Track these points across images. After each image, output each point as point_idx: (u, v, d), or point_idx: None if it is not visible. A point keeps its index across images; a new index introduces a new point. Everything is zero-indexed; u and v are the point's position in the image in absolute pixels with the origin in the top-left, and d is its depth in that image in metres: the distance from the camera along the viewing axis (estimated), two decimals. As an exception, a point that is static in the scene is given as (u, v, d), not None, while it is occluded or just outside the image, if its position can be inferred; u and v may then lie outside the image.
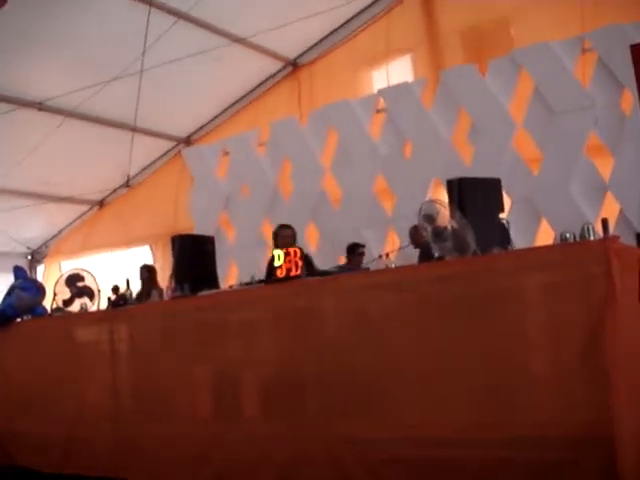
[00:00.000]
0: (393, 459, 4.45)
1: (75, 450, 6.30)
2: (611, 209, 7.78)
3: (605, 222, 4.11)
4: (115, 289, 7.46)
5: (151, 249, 12.58)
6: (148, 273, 8.71)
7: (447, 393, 4.30)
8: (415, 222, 6.76)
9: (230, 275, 10.14)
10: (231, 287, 6.65)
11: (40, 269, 14.40)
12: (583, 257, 3.97)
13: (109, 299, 6.74)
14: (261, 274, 6.65)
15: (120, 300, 6.81)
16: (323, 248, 9.83)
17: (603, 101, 8.20)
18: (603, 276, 3.77)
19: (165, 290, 6.68)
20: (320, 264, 7.86)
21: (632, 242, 5.62)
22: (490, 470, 4.05)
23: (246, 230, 10.82)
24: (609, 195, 8.09)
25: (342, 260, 8.60)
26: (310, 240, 10.10)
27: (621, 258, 3.81)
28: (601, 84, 8.24)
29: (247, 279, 6.23)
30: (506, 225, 5.84)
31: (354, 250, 8.27)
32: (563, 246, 4.34)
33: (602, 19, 8.23)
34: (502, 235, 5.60)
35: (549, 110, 8.54)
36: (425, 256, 6.59)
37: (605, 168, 8.18)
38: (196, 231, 10.36)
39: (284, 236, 7.12)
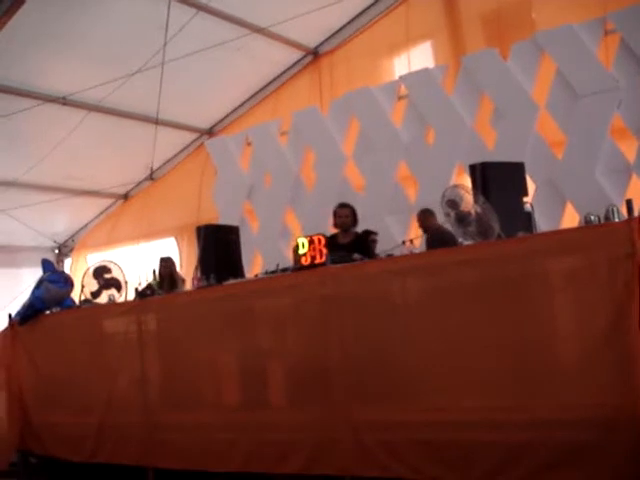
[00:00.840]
0: (417, 442, 4.49)
1: (106, 440, 6.40)
2: (637, 191, 7.70)
3: (630, 203, 4.08)
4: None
5: (176, 241, 12.65)
6: (166, 264, 8.75)
7: (471, 377, 4.32)
8: (433, 208, 6.83)
9: (255, 264, 10.17)
10: (256, 276, 6.70)
11: (67, 262, 14.55)
12: (608, 238, 3.96)
13: (136, 290, 6.81)
14: (286, 262, 6.68)
15: (147, 290, 6.88)
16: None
17: (626, 83, 8.10)
18: (628, 257, 3.76)
19: (190, 280, 6.73)
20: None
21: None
22: (515, 453, 4.07)
23: (270, 219, 10.85)
24: (634, 177, 8.02)
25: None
26: (334, 229, 10.09)
27: (646, 238, 3.79)
28: (624, 66, 8.14)
29: (272, 268, 6.28)
30: (530, 209, 5.82)
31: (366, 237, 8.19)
32: (587, 228, 4.34)
33: (624, 0, 8.14)
34: (526, 219, 5.59)
35: (572, 93, 8.46)
36: (430, 241, 6.59)
37: (630, 150, 8.10)
38: (221, 221, 10.41)
39: (340, 215, 6.93)
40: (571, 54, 8.45)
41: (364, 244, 6.57)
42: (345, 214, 6.89)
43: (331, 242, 6.33)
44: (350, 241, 6.66)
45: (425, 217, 7.46)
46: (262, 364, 5.59)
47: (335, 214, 6.97)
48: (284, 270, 6.02)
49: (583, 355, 3.93)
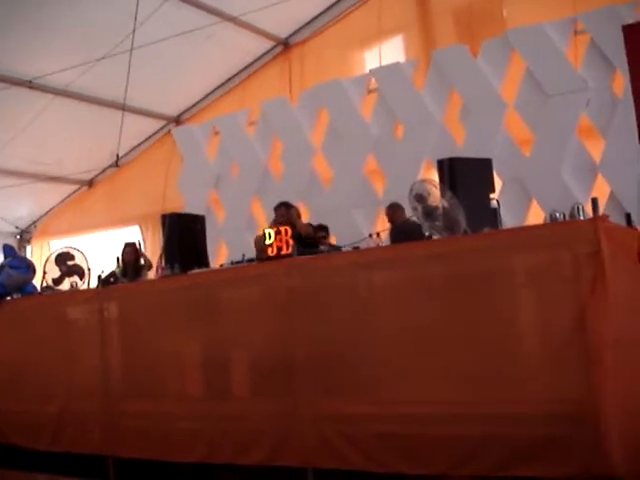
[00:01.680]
0: (381, 436, 4.50)
1: (66, 428, 6.33)
2: (602, 191, 7.79)
3: (595, 202, 4.13)
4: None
5: (141, 229, 12.54)
6: (130, 250, 8.64)
7: (435, 371, 4.34)
8: (400, 202, 6.86)
9: (220, 255, 10.12)
10: (221, 266, 6.66)
11: (29, 249, 14.34)
12: (572, 236, 4.01)
13: (99, 277, 6.73)
14: (252, 253, 6.64)
15: (110, 278, 6.81)
16: (314, 228, 9.84)
17: (595, 83, 8.19)
18: (593, 254, 3.80)
19: (155, 269, 6.67)
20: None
21: (621, 222, 5.63)
22: (478, 446, 4.10)
23: (236, 210, 10.80)
24: (600, 177, 8.11)
25: (332, 240, 8.60)
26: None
27: (611, 237, 3.84)
28: (593, 66, 8.22)
29: (238, 258, 6.24)
30: (496, 205, 5.86)
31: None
32: (552, 225, 4.37)
33: (595, 0, 8.21)
34: (492, 215, 5.62)
35: (541, 92, 8.52)
36: (393, 234, 6.61)
37: (596, 150, 8.19)
38: (186, 210, 10.31)
39: (278, 215, 7.10)
40: (541, 53, 8.51)
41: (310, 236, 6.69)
42: (281, 214, 7.09)
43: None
44: (299, 235, 6.58)
45: (394, 211, 7.47)
46: (226, 354, 5.56)
47: (275, 213, 7.16)
48: (250, 261, 5.99)
49: (547, 351, 3.96)
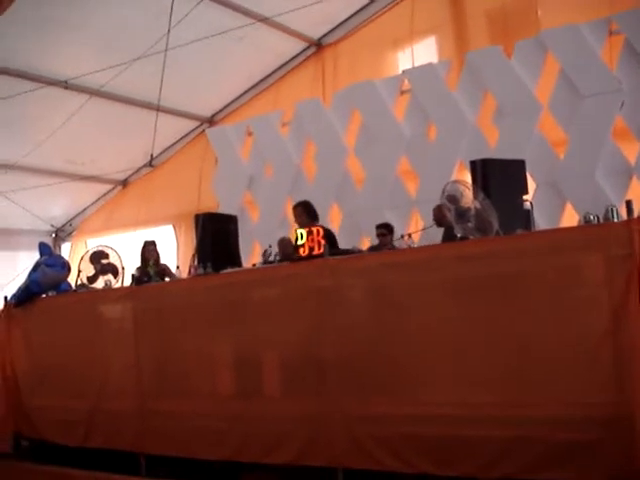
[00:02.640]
0: (410, 437, 4.49)
1: (98, 425, 6.40)
2: (637, 193, 7.69)
3: (629, 204, 4.08)
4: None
5: (174, 228, 12.64)
6: (152, 248, 8.68)
7: (465, 372, 4.32)
8: (434, 203, 6.84)
9: (254, 254, 10.16)
10: (254, 265, 6.69)
11: (64, 247, 14.53)
12: (606, 238, 3.96)
13: (133, 276, 6.80)
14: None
15: (144, 277, 6.87)
16: (346, 229, 9.84)
17: (629, 84, 8.10)
18: (627, 257, 3.76)
19: (188, 268, 6.72)
20: (343, 245, 7.89)
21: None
22: (508, 448, 4.08)
23: (270, 210, 10.85)
24: (635, 179, 8.01)
25: (365, 241, 8.61)
26: (333, 220, 10.11)
27: (645, 239, 3.79)
28: (628, 67, 8.13)
29: (271, 257, 6.28)
30: (529, 207, 5.82)
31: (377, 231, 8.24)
32: (586, 227, 4.33)
33: (630, 0, 8.12)
34: (525, 217, 5.59)
35: (575, 93, 8.45)
36: (448, 236, 6.58)
37: (631, 152, 8.09)
38: (220, 210, 10.39)
39: (295, 215, 7.22)
40: (575, 54, 8.44)
41: (330, 238, 6.62)
42: (297, 213, 7.16)
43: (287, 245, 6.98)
44: None
45: (441, 212, 7.41)
46: (256, 354, 5.58)
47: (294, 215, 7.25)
48: (281, 261, 6.03)
49: (580, 353, 3.92)
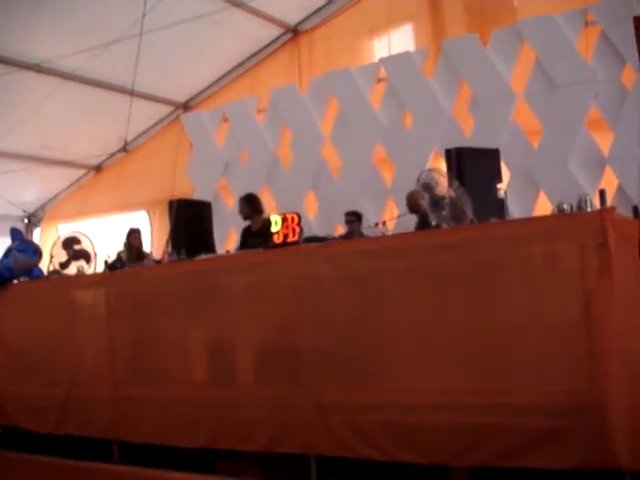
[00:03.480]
0: (384, 424, 4.50)
1: (72, 411, 6.36)
2: (610, 183, 7.76)
3: (602, 193, 4.12)
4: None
5: (148, 214, 12.56)
6: (137, 235, 8.71)
7: (439, 360, 4.34)
8: (409, 191, 6.85)
9: (229, 241, 10.14)
10: (227, 252, 6.68)
11: (36, 232, 14.39)
12: (579, 228, 3.99)
13: (105, 262, 6.75)
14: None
15: (117, 263, 6.82)
16: (322, 216, 9.86)
17: (604, 75, 8.15)
18: (599, 247, 3.79)
19: (161, 255, 6.69)
20: (319, 232, 7.89)
21: (629, 215, 5.62)
22: (481, 436, 4.10)
23: (245, 197, 10.80)
24: (608, 169, 8.08)
25: (340, 228, 8.62)
26: (309, 208, 10.12)
27: (617, 229, 3.82)
28: (603, 58, 8.18)
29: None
30: (504, 196, 5.85)
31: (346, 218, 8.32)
32: (560, 216, 4.35)
33: (606, -9, 8.17)
34: (499, 206, 5.62)
35: (550, 83, 8.49)
36: (422, 224, 6.60)
37: (604, 142, 8.15)
38: (195, 197, 10.34)
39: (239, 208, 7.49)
40: (551, 44, 8.47)
41: (268, 229, 6.77)
42: (240, 205, 7.47)
43: (247, 231, 7.27)
44: (259, 228, 7.04)
45: (414, 199, 7.41)
46: (231, 341, 5.57)
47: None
48: (256, 247, 6.02)
49: (552, 342, 3.95)
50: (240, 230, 7.66)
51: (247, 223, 7.44)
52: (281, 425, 5.00)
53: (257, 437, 5.08)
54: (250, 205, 7.39)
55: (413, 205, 7.25)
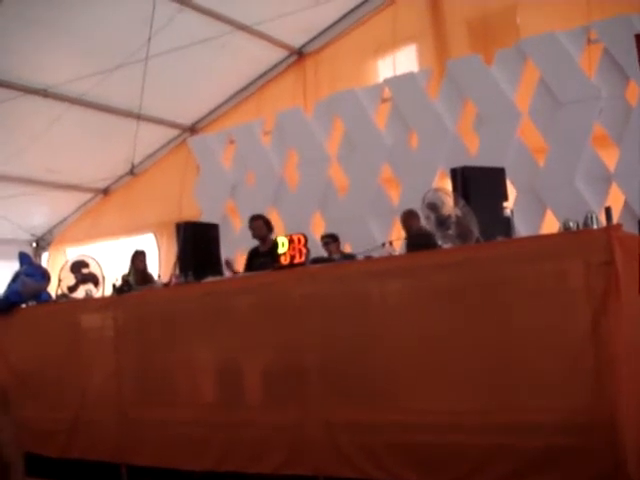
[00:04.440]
0: (392, 445, 4.49)
1: (79, 435, 6.35)
2: (616, 200, 7.76)
3: (609, 210, 4.11)
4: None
5: (155, 237, 12.59)
6: (142, 258, 8.74)
7: (448, 379, 4.33)
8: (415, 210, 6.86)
9: (237, 263, 10.15)
10: (235, 274, 6.68)
11: (45, 256, 14.43)
12: (586, 245, 3.99)
13: (113, 285, 6.76)
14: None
15: (124, 286, 6.83)
16: (329, 237, 9.87)
17: (608, 92, 8.17)
18: (606, 264, 3.79)
19: (169, 277, 6.70)
20: (326, 253, 7.89)
21: (635, 231, 5.61)
22: (489, 456, 4.08)
23: (252, 219, 10.82)
24: (614, 186, 8.08)
25: (347, 248, 8.62)
26: (316, 229, 10.11)
27: (624, 246, 3.82)
28: (606, 75, 8.21)
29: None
30: (510, 214, 5.85)
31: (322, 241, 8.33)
32: (566, 234, 4.34)
33: (608, 9, 8.19)
34: (506, 224, 5.61)
35: (554, 100, 8.51)
36: (410, 242, 6.60)
37: (610, 159, 8.16)
38: (203, 219, 10.37)
39: (253, 228, 7.56)
40: (554, 62, 8.50)
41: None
42: (258, 226, 7.55)
43: (254, 252, 7.40)
44: (269, 249, 7.02)
45: (407, 218, 7.44)
46: (238, 362, 5.57)
47: (250, 227, 7.62)
48: (263, 268, 6.03)
49: (560, 360, 3.94)
50: (246, 252, 7.68)
51: (255, 244, 7.45)
52: (290, 447, 4.98)
53: (266, 459, 5.06)
54: (269, 225, 7.59)
55: (403, 225, 7.30)
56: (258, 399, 5.51)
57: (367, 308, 4.83)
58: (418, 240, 6.58)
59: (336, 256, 7.37)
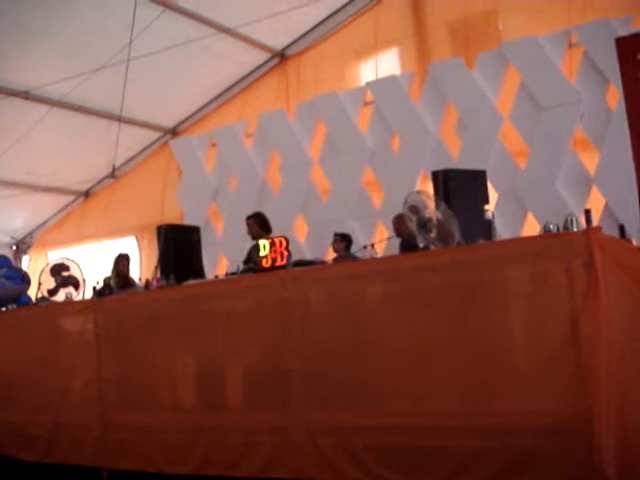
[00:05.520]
0: (374, 448, 4.49)
1: (60, 439, 6.30)
2: (596, 203, 7.81)
3: (588, 213, 4.15)
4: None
5: (137, 240, 12.53)
6: (126, 262, 8.69)
7: (430, 382, 4.33)
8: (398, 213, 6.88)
9: (219, 266, 10.13)
10: (216, 277, 6.67)
11: (25, 259, 14.33)
12: (565, 248, 4.00)
13: (94, 288, 6.72)
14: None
15: (105, 289, 6.80)
16: (312, 240, 9.87)
17: (589, 96, 8.23)
18: (585, 266, 3.81)
19: (150, 280, 6.66)
20: (310, 256, 7.90)
21: (615, 234, 5.65)
22: (471, 458, 4.09)
23: (235, 221, 10.69)
24: (594, 189, 8.13)
25: (330, 252, 8.62)
26: (299, 232, 10.12)
27: (604, 248, 3.84)
28: (587, 79, 8.27)
29: (234, 269, 6.26)
30: (491, 217, 5.87)
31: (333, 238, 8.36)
32: (546, 237, 4.37)
33: (589, 14, 8.26)
34: (487, 227, 5.63)
35: (535, 104, 8.56)
36: (406, 246, 6.61)
37: (591, 162, 8.22)
38: (185, 222, 10.35)
39: (249, 226, 7.48)
40: (535, 66, 8.56)
41: None
42: (248, 225, 7.50)
43: (253, 251, 6.96)
44: None
45: (400, 222, 7.43)
46: (220, 366, 5.54)
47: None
48: (245, 271, 6.02)
49: (540, 362, 3.96)
50: (230, 255, 7.67)
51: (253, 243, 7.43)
52: (272, 450, 4.97)
53: (248, 463, 5.04)
54: (261, 224, 7.47)
55: (395, 229, 7.30)
56: (240, 403, 5.49)
57: (349, 311, 4.82)
58: (411, 243, 6.59)
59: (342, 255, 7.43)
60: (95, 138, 11.44)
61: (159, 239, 6.79)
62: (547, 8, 8.85)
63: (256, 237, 7.29)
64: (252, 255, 7.11)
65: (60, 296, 7.17)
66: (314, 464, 4.74)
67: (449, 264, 4.45)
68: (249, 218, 7.55)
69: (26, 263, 14.08)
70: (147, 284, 6.50)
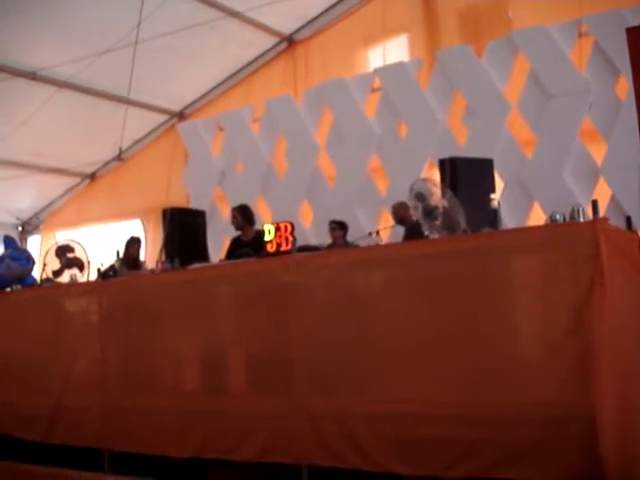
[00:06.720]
0: (376, 434, 4.47)
1: (62, 420, 6.30)
2: (603, 194, 7.78)
3: (595, 204, 4.11)
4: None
5: (142, 223, 12.54)
6: (138, 245, 8.72)
7: (433, 370, 4.32)
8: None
9: (224, 250, 10.12)
10: (221, 261, 6.66)
11: (31, 240, 14.37)
12: (572, 238, 3.98)
13: (98, 270, 6.72)
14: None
15: (109, 271, 6.80)
16: (317, 225, 9.85)
17: (598, 86, 8.19)
18: (591, 257, 3.78)
19: (155, 263, 6.67)
20: (315, 241, 7.89)
21: (622, 225, 5.62)
22: (472, 447, 4.08)
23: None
24: (601, 180, 8.10)
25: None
26: (304, 217, 10.11)
27: (610, 239, 3.82)
28: (597, 69, 8.23)
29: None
30: (497, 206, 5.85)
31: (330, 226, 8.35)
32: (552, 226, 4.34)
33: (600, 3, 8.21)
34: (493, 215, 5.61)
35: (544, 93, 8.52)
36: (410, 234, 6.60)
37: (598, 153, 8.19)
38: (191, 206, 10.35)
39: (232, 217, 7.47)
40: (545, 55, 8.51)
41: (261, 241, 7.07)
42: (233, 216, 7.46)
43: (236, 241, 7.29)
44: (251, 238, 7.21)
45: (405, 210, 7.41)
46: (223, 350, 5.54)
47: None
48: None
49: (543, 353, 3.94)
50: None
51: (238, 233, 7.43)
52: (272, 434, 4.96)
53: (248, 447, 5.04)
54: (244, 216, 7.42)
55: (398, 217, 7.28)
56: (242, 387, 5.49)
57: (352, 298, 4.81)
58: (416, 231, 6.57)
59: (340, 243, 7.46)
60: (102, 120, 11.45)
61: (164, 222, 6.78)
62: (558, -3, 8.80)
63: (239, 228, 7.39)
64: (235, 251, 7.17)
65: (65, 277, 7.18)
66: (314, 449, 4.73)
67: (454, 252, 4.42)
68: (234, 209, 7.56)
69: (33, 244, 14.12)
70: (154, 269, 6.51)
